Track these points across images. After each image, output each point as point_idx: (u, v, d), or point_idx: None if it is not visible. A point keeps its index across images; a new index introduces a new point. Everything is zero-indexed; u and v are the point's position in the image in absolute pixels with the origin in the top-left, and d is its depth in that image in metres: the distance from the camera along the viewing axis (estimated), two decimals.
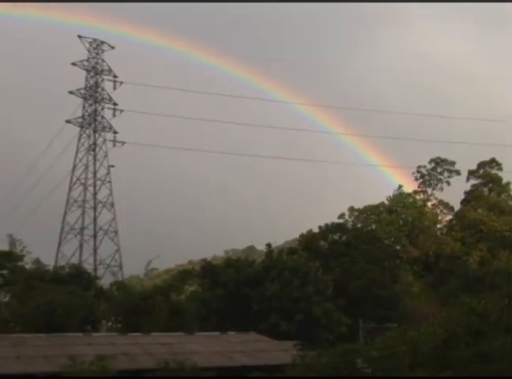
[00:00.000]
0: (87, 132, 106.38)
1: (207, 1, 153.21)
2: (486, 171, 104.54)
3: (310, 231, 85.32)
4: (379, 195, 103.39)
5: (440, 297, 76.09)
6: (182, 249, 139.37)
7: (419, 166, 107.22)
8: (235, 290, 65.00)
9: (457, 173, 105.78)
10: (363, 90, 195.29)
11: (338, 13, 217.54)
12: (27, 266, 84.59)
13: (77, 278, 73.79)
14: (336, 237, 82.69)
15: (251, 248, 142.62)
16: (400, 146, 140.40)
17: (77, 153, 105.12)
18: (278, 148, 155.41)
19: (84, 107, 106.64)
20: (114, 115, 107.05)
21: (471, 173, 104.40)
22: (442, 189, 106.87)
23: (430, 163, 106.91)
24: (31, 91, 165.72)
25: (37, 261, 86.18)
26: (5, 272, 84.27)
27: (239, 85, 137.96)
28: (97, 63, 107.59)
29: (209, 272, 69.55)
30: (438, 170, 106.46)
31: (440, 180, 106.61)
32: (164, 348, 45.61)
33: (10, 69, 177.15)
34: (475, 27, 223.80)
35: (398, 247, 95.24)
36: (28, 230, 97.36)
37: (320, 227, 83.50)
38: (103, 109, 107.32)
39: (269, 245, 74.10)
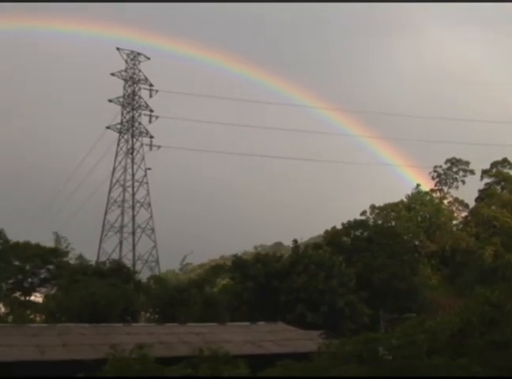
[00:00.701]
0: (125, 137, 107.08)
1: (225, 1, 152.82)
2: (498, 170, 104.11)
3: (333, 228, 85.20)
4: (398, 193, 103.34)
5: (456, 288, 75.85)
6: (214, 245, 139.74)
7: (435, 166, 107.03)
8: (264, 283, 65.07)
9: (472, 172, 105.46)
10: (377, 94, 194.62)
11: (350, 19, 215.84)
12: (71, 261, 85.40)
13: (117, 272, 74.18)
14: (358, 233, 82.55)
15: (279, 244, 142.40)
16: (418, 147, 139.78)
17: (116, 157, 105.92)
18: (301, 151, 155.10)
19: (122, 114, 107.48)
20: (150, 121, 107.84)
21: (484, 172, 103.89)
22: (457, 187, 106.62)
23: (446, 163, 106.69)
24: (74, 100, 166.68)
25: (80, 257, 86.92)
26: (51, 266, 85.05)
27: (261, 90, 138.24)
28: (134, 73, 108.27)
29: (240, 266, 69.66)
30: (454, 169, 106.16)
31: (455, 179, 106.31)
32: (199, 337, 45.69)
33: (55, 80, 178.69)
34: (486, 30, 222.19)
35: (417, 242, 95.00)
36: (72, 228, 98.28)
37: (343, 224, 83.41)
38: (140, 115, 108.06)
39: (295, 241, 74.15)
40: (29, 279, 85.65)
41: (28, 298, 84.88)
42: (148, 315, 71.75)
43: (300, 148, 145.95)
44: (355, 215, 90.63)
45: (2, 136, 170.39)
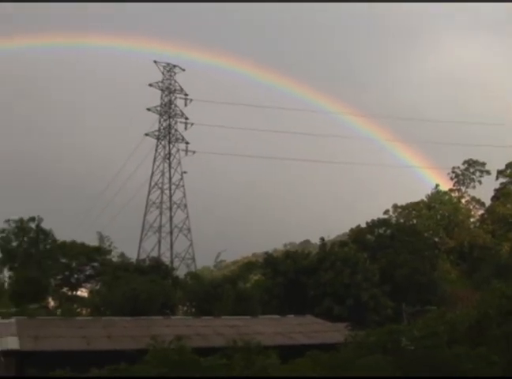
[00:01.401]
0: (162, 143, 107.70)
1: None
2: None
3: (358, 226, 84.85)
4: (419, 194, 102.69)
5: (474, 282, 75.22)
6: (246, 243, 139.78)
7: (453, 168, 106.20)
8: (293, 279, 65.03)
9: (488, 173, 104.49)
10: (397, 99, 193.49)
11: (368, 25, 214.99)
12: (114, 259, 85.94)
13: (156, 269, 74.50)
14: (381, 231, 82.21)
15: (307, 242, 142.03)
16: (436, 150, 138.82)
17: (154, 162, 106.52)
18: (326, 154, 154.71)
19: (160, 122, 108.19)
20: (185, 128, 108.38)
21: (500, 172, 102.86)
22: (474, 187, 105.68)
23: (463, 164, 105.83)
24: (114, 110, 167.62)
25: (122, 255, 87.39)
26: (95, 264, 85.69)
27: (288, 98, 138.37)
28: (170, 84, 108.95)
29: (271, 263, 69.66)
30: (471, 170, 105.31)
31: (472, 179, 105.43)
32: (232, 329, 45.72)
33: (98, 93, 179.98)
34: (499, 35, 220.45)
35: (436, 239, 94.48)
36: (114, 228, 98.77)
37: (367, 223, 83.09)
38: (176, 123, 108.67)
39: (322, 239, 74.09)
40: (75, 276, 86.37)
41: (74, 293, 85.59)
42: (185, 309, 71.98)
43: (325, 152, 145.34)
44: (378, 214, 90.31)
45: (52, 145, 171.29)
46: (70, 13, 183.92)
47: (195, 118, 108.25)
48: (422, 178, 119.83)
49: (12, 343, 38.78)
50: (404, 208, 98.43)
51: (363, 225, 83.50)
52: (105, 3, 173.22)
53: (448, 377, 27.76)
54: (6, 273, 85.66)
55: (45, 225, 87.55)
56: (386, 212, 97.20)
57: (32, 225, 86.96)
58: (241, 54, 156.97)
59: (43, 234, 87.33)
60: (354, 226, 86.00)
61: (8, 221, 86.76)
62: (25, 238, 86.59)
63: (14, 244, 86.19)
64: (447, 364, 29.83)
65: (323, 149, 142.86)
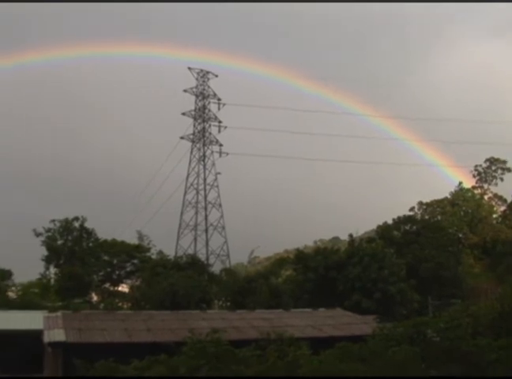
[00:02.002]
0: (197, 146, 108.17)
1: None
2: None
3: (385, 223, 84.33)
4: (443, 191, 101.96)
5: (497, 276, 74.49)
6: (278, 240, 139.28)
7: (476, 166, 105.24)
8: (323, 274, 64.86)
9: (509, 170, 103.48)
10: (420, 100, 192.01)
11: (395, 30, 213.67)
12: (152, 256, 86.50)
13: (193, 266, 74.75)
14: (407, 227, 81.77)
15: (336, 238, 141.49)
16: (459, 149, 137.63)
17: (190, 163, 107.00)
18: (353, 154, 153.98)
19: (194, 126, 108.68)
20: (219, 131, 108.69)
21: None
22: (496, 184, 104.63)
23: (485, 162, 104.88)
24: (151, 115, 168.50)
25: (160, 252, 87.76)
26: (135, 261, 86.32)
27: (316, 101, 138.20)
28: (204, 89, 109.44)
29: (302, 258, 69.59)
30: (493, 168, 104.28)
31: (494, 177, 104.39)
32: (266, 322, 45.77)
33: (134, 99, 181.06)
34: None
35: (460, 235, 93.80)
36: (152, 227, 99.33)
37: (393, 219, 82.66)
38: (210, 126, 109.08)
39: (351, 235, 73.83)
40: (117, 272, 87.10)
41: (116, 288, 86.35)
42: (220, 303, 72.17)
43: (352, 152, 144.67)
44: (404, 211, 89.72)
45: (94, 151, 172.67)
46: (106, 23, 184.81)
47: (228, 122, 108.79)
48: (446, 176, 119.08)
49: (58, 335, 39.29)
50: (428, 205, 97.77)
51: (390, 222, 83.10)
52: (141, 13, 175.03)
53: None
54: (52, 270, 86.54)
55: (88, 225, 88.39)
56: (412, 209, 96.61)
57: (76, 224, 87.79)
58: (270, 58, 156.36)
59: (87, 233, 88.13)
60: (381, 223, 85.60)
61: (53, 221, 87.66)
62: (70, 237, 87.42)
63: (59, 242, 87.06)
64: (471, 354, 29.70)
65: (351, 150, 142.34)
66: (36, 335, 42.46)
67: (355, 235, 75.51)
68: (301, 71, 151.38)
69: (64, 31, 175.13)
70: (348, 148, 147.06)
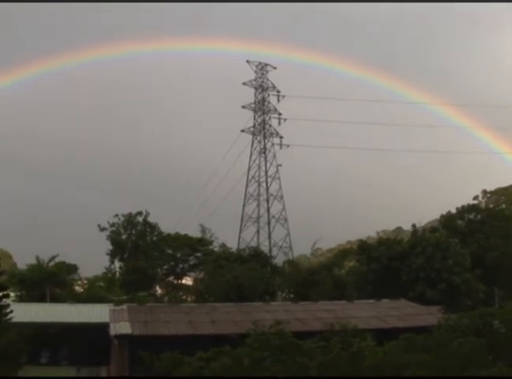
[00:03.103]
0: (258, 138, 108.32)
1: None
2: None
3: (448, 212, 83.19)
4: (508, 179, 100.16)
5: None
6: (341, 231, 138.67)
7: None
8: (386, 264, 64.47)
9: None
10: (481, 87, 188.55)
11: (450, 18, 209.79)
12: (215, 249, 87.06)
13: (255, 258, 75.04)
14: (471, 216, 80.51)
15: (399, 228, 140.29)
16: None
17: (251, 156, 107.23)
18: (415, 144, 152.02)
19: (254, 118, 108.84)
20: (279, 123, 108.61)
21: None
22: None
23: None
24: (211, 107, 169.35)
25: (223, 245, 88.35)
26: (198, 254, 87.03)
27: (376, 90, 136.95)
28: (263, 82, 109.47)
29: (365, 249, 69.23)
30: None
31: None
32: (329, 314, 45.70)
33: (194, 93, 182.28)
34: None
35: None
36: (215, 220, 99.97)
37: (457, 208, 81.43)
38: (270, 119, 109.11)
39: (414, 225, 73.21)
40: (180, 266, 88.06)
41: (179, 281, 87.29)
42: (283, 295, 72.33)
43: (414, 141, 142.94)
44: (467, 200, 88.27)
45: (157, 144, 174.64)
46: (168, 20, 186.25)
47: (288, 113, 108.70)
48: (510, 163, 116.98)
49: (124, 327, 39.91)
50: (493, 193, 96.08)
51: (453, 211, 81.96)
52: (196, 7, 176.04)
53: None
54: (117, 264, 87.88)
55: (151, 219, 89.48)
56: (476, 197, 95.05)
57: (140, 219, 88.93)
58: (327, 49, 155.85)
59: (150, 227, 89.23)
60: (444, 212, 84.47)
61: (117, 215, 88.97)
62: (133, 231, 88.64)
63: (123, 237, 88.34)
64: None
65: (412, 139, 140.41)
66: (103, 327, 43.23)
67: (418, 225, 74.82)
68: (361, 61, 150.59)
69: (127, 28, 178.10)
70: (409, 137, 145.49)
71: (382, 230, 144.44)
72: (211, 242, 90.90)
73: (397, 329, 38.03)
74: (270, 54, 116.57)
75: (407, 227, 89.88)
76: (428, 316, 44.20)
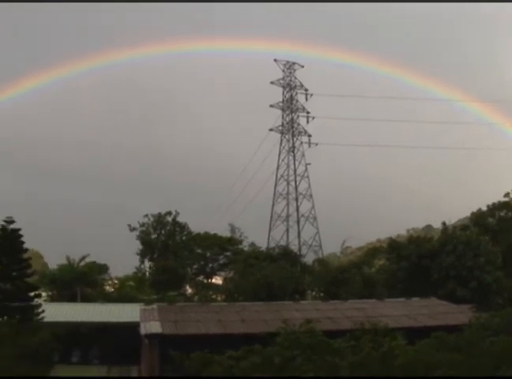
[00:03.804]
0: (286, 137, 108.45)
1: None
2: None
3: (479, 210, 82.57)
4: None
5: None
6: (370, 230, 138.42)
7: None
8: (416, 263, 64.11)
9: None
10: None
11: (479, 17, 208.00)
12: (245, 248, 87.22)
13: (285, 256, 75.11)
14: (502, 214, 79.86)
15: (429, 226, 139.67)
16: None
17: (279, 155, 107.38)
18: (445, 141, 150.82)
19: (282, 117, 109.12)
20: (307, 122, 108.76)
21: None
22: None
23: None
24: (240, 108, 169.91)
25: (252, 244, 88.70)
26: (228, 253, 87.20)
27: (405, 87, 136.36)
28: (291, 80, 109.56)
29: (395, 248, 68.89)
30: None
31: None
32: (360, 312, 45.60)
33: (221, 92, 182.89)
34: None
35: None
36: (244, 219, 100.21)
37: (488, 206, 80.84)
38: (298, 117, 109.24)
39: (444, 223, 72.73)
40: (210, 265, 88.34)
41: (209, 280, 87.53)
42: (313, 293, 72.29)
43: (443, 139, 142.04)
44: (498, 197, 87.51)
45: (183, 143, 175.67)
46: (194, 20, 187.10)
47: (316, 112, 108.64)
48: None
49: (155, 327, 40.13)
50: None
51: (484, 208, 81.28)
52: (226, 7, 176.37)
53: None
54: (147, 263, 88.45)
55: (180, 218, 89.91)
56: (507, 194, 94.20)
57: (169, 219, 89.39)
58: (353, 47, 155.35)
59: (179, 227, 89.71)
60: (475, 209, 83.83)
61: (147, 216, 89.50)
62: (163, 231, 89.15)
63: (153, 236, 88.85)
64: None
65: (442, 136, 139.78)
66: (133, 327, 43.50)
67: (448, 223, 74.34)
68: (390, 59, 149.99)
69: (150, 30, 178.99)
70: (439, 134, 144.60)
71: (412, 228, 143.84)
72: (240, 241, 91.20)
73: (428, 328, 37.78)
74: (298, 52, 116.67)
75: (437, 224, 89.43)
76: (459, 314, 43.91)
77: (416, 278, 62.98)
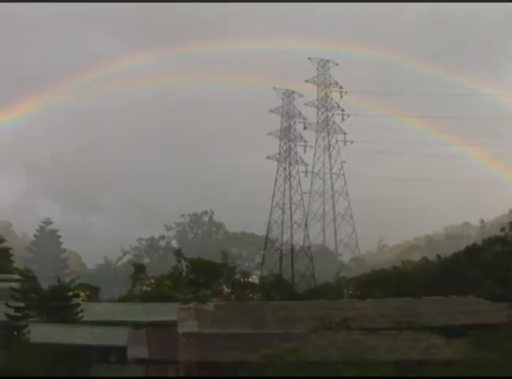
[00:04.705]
0: (322, 135, 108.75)
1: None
2: None
3: None
4: None
5: None
6: (407, 228, 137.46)
7: None
8: (454, 261, 63.76)
9: None
10: None
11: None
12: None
13: (322, 254, 75.17)
14: None
15: (466, 224, 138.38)
16: None
17: (315, 153, 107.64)
18: (481, 137, 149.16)
19: (318, 115, 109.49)
20: (342, 119, 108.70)
21: None
22: None
23: None
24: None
25: (287, 243, 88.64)
26: (263, 252, 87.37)
27: (442, 84, 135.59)
28: (325, 78, 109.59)
29: (432, 245, 68.59)
30: None
31: None
32: (396, 311, 45.35)
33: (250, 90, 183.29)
34: None
35: None
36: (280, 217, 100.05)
37: None
38: (333, 115, 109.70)
39: (482, 220, 72.27)
40: (246, 264, 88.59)
41: (246, 279, 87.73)
42: (350, 292, 72.16)
43: (483, 134, 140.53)
44: None
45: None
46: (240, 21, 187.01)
47: (351, 110, 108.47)
48: None
49: (192, 326, 40.41)
50: None
51: None
52: (264, 9, 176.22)
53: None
54: (183, 263, 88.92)
55: (216, 218, 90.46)
56: None
57: (205, 218, 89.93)
58: (390, 46, 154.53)
59: (215, 227, 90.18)
60: None
61: (183, 216, 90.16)
62: (199, 231, 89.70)
63: (190, 236, 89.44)
64: None
65: (482, 132, 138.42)
66: (170, 326, 43.80)
67: (486, 221, 73.80)
68: (431, 58, 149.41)
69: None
70: (481, 130, 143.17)
71: (450, 226, 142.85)
72: (276, 240, 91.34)
73: (465, 326, 37.59)
74: (330, 50, 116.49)
75: (475, 222, 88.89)
76: (497, 313, 43.52)
77: (454, 276, 62.61)
